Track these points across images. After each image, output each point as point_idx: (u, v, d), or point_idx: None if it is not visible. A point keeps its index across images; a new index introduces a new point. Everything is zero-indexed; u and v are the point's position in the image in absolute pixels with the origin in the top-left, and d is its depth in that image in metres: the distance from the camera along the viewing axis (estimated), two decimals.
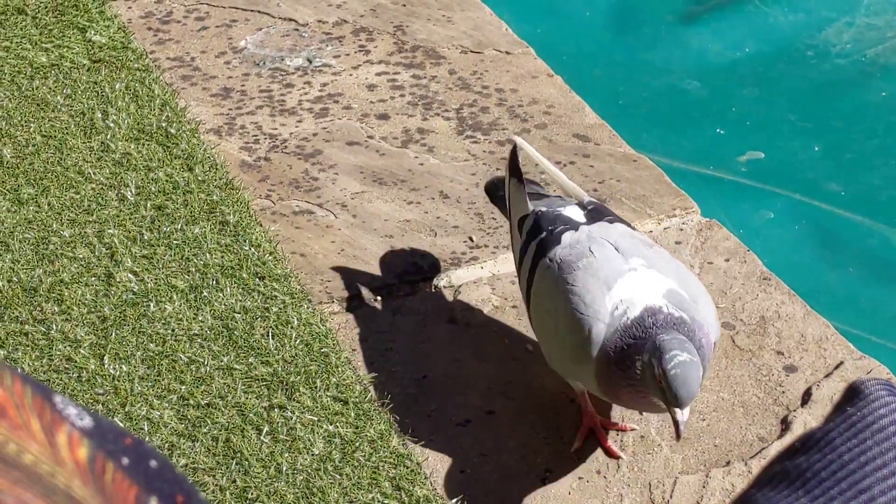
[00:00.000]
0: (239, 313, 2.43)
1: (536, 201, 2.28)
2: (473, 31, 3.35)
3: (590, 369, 2.00)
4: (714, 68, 3.78)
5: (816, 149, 3.45)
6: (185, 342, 2.37)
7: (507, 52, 3.27)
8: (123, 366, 2.32)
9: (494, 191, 2.48)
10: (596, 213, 2.21)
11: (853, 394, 0.79)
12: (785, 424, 2.22)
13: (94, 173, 2.74)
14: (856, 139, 3.46)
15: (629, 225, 2.21)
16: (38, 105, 2.95)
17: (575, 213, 2.22)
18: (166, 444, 2.19)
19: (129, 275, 2.50)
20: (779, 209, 3.19)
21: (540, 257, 2.14)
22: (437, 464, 2.19)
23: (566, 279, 2.05)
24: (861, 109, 3.57)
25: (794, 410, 2.26)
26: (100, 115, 2.90)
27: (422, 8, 3.43)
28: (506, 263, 2.61)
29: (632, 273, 2.03)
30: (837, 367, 2.34)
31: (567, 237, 2.12)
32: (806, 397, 2.28)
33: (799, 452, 0.77)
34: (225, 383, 2.29)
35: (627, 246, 2.08)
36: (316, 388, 2.29)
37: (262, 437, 2.20)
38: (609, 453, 2.17)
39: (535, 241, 2.17)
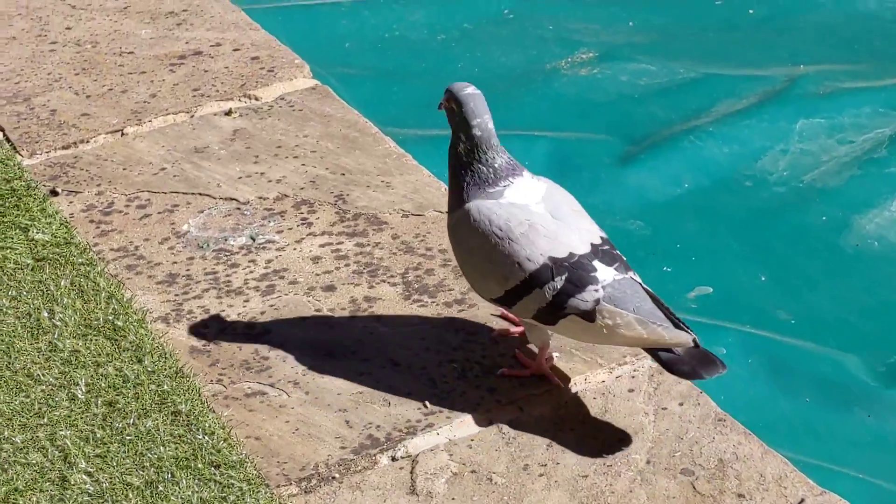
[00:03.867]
0: None
1: None
2: (413, 193, 3.39)
3: None
4: (655, 206, 3.83)
5: (763, 278, 3.48)
6: None
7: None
8: None
9: None
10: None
11: None
12: None
13: (42, 374, 2.73)
14: (799, 264, 3.50)
15: None
16: None
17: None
18: None
19: (84, 476, 2.48)
20: (730, 343, 3.20)
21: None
22: None
23: None
24: (802, 233, 3.62)
25: None
26: (46, 314, 2.90)
27: (361, 175, 3.47)
28: (461, 427, 2.61)
29: None
30: None
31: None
32: None
33: None
34: None
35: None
36: None
37: None
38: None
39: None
